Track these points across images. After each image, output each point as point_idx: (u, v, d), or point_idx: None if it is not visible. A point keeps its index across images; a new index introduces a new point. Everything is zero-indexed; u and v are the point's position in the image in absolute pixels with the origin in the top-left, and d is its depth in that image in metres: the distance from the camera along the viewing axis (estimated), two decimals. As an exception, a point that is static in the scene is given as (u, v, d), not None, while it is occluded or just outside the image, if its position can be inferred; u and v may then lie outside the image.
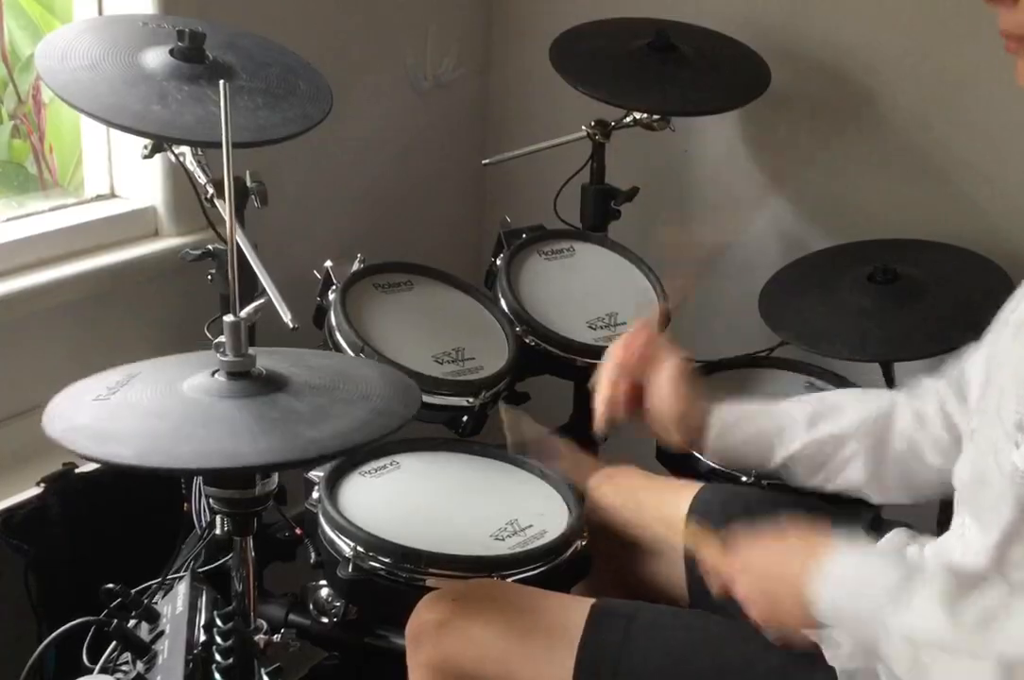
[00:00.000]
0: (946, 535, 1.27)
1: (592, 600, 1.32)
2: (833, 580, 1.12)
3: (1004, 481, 1.12)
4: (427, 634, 1.33)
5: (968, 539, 1.21)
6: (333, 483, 1.57)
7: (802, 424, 1.42)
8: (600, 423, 1.45)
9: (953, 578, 1.07)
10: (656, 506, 1.55)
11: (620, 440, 2.16)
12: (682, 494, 1.54)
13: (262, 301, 1.22)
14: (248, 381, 1.15)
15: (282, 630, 1.34)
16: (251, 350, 1.16)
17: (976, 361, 1.31)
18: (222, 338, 1.15)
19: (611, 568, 1.57)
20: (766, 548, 1.20)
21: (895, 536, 1.38)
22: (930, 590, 1.06)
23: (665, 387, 1.42)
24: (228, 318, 1.15)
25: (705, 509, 1.50)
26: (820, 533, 1.19)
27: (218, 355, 1.15)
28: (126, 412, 1.13)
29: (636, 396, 1.44)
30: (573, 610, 1.31)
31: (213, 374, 1.15)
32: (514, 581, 1.45)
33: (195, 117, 1.49)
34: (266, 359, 1.18)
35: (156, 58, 1.55)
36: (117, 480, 1.68)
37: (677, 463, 1.89)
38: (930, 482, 1.37)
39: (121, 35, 1.60)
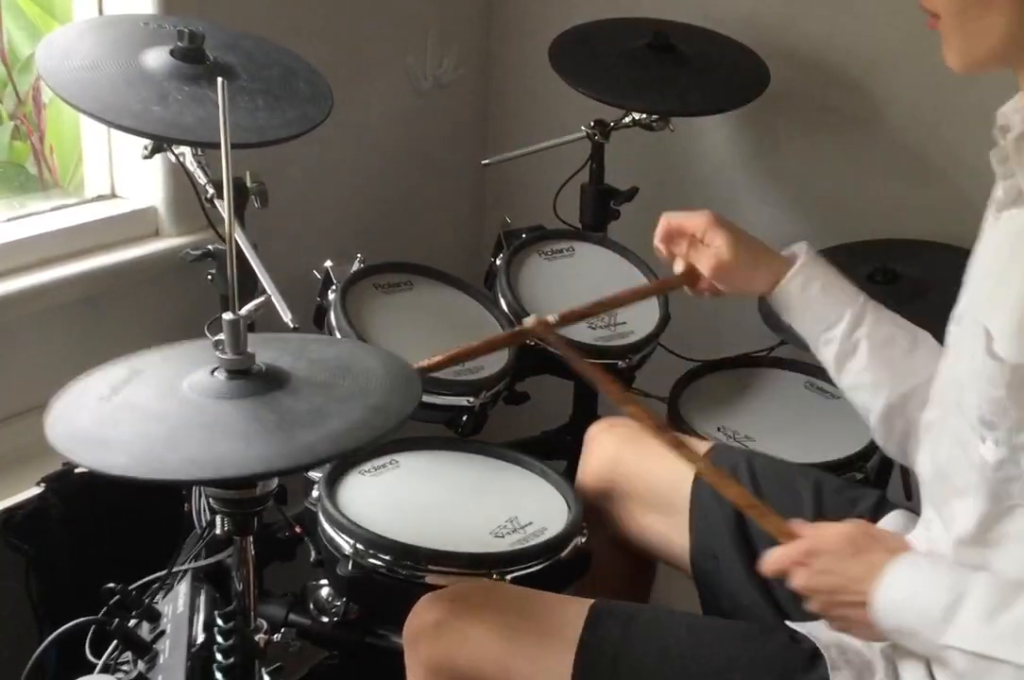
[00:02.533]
0: (915, 530, 1.27)
1: (591, 601, 1.32)
2: (891, 584, 1.11)
3: (973, 474, 1.11)
4: (425, 635, 1.33)
5: (932, 535, 1.21)
6: (333, 482, 1.57)
7: (871, 324, 1.36)
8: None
9: (997, 590, 1.07)
10: (662, 461, 1.50)
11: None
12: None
13: (261, 299, 1.22)
14: (247, 380, 1.14)
15: (282, 629, 1.34)
16: (255, 337, 1.15)
17: None
18: (221, 336, 1.15)
19: (608, 525, 1.56)
20: (837, 553, 1.17)
21: (894, 518, 1.37)
22: (974, 605, 1.06)
23: (719, 234, 1.39)
24: (227, 316, 1.14)
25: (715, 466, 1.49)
26: (889, 540, 1.19)
27: (217, 353, 1.15)
28: (126, 415, 1.12)
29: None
30: (571, 610, 1.30)
31: (213, 372, 1.15)
32: (514, 578, 1.45)
33: (195, 118, 1.49)
34: (270, 349, 1.18)
35: (157, 58, 1.55)
36: (117, 480, 1.68)
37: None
38: None
39: (122, 35, 1.60)
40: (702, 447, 1.54)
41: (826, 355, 1.38)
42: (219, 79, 1.10)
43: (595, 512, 1.57)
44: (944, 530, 1.18)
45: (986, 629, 1.05)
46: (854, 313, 1.36)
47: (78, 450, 1.06)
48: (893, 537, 1.21)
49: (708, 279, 1.42)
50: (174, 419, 1.10)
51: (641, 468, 1.55)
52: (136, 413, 1.12)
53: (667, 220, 1.43)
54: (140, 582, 1.41)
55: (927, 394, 1.29)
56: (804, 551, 1.18)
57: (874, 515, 1.40)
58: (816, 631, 1.25)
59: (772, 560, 1.20)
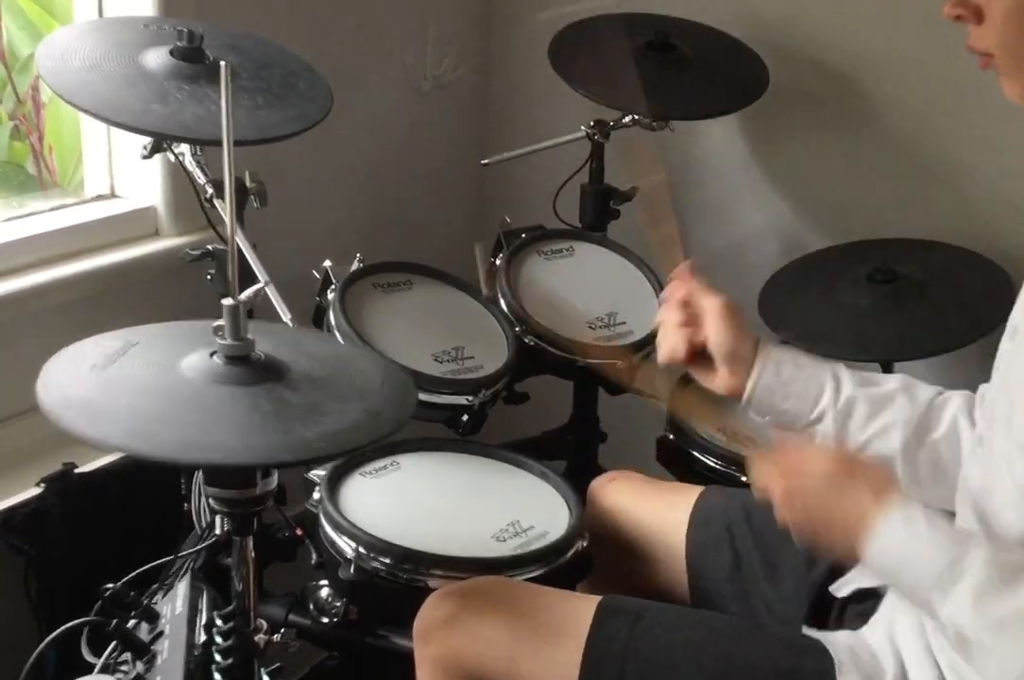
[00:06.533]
0: None
1: (599, 598, 1.32)
2: (884, 543, 1.09)
3: (1016, 493, 1.10)
4: (434, 630, 1.33)
5: None
6: (334, 483, 1.57)
7: (850, 380, 1.34)
8: (663, 359, 1.38)
9: (994, 569, 1.04)
10: (657, 511, 1.55)
11: (620, 442, 2.17)
12: (682, 499, 1.54)
13: (260, 285, 1.22)
14: (246, 367, 1.13)
15: (282, 630, 1.34)
16: (252, 330, 1.15)
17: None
18: (221, 321, 1.14)
19: (612, 573, 1.57)
20: (829, 472, 1.13)
21: None
22: (968, 581, 1.04)
23: (714, 324, 1.33)
24: (227, 301, 1.13)
25: (706, 514, 1.50)
26: (885, 475, 1.15)
27: (216, 338, 1.14)
28: (120, 388, 1.11)
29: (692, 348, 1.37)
30: (580, 607, 1.30)
31: (211, 355, 1.14)
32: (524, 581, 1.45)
33: (195, 116, 1.49)
34: (268, 340, 1.17)
35: (156, 58, 1.55)
36: (117, 480, 1.68)
37: (676, 463, 1.89)
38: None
39: (122, 36, 1.60)
40: (695, 491, 1.54)
41: (826, 426, 1.34)
42: (222, 63, 1.10)
43: (602, 564, 1.57)
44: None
45: (976, 613, 1.03)
46: (834, 377, 1.34)
47: (74, 420, 1.05)
48: (875, 469, 1.17)
49: (713, 314, 1.35)
50: (170, 397, 1.10)
51: (640, 520, 1.56)
52: (131, 387, 1.11)
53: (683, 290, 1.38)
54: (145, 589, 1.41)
55: (937, 419, 1.30)
56: (784, 491, 1.16)
57: None
58: (827, 637, 1.25)
59: (758, 485, 1.19)
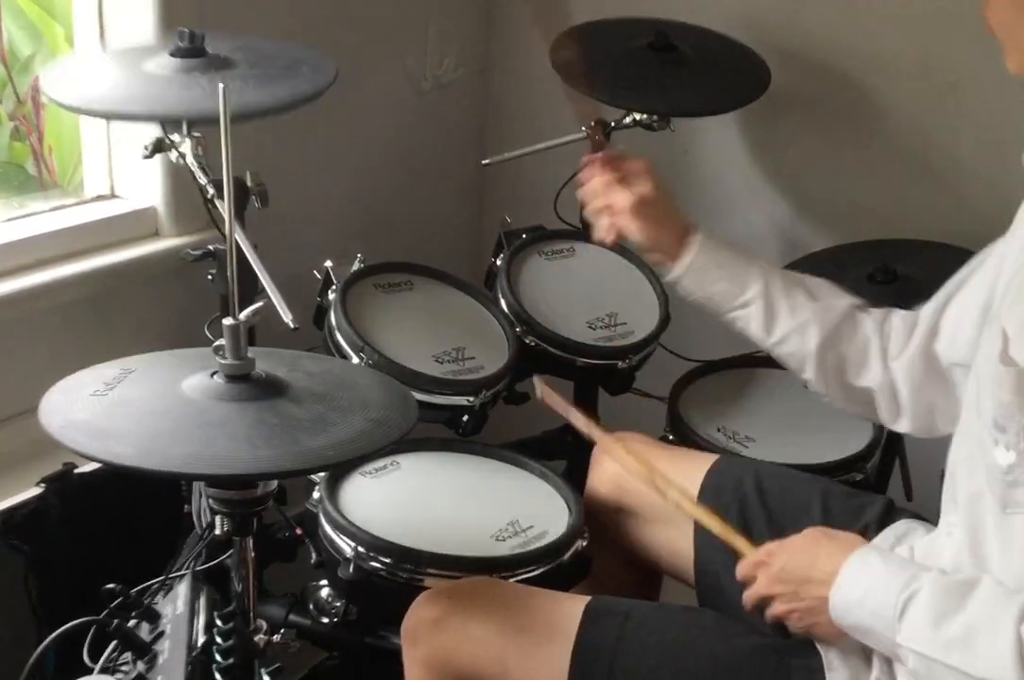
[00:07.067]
0: (934, 534, 1.27)
1: (587, 598, 1.32)
2: (847, 590, 1.15)
3: (987, 476, 1.12)
4: (423, 631, 1.34)
5: (955, 540, 1.20)
6: (334, 483, 1.57)
7: (779, 274, 1.45)
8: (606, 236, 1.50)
9: (944, 591, 1.09)
10: (668, 473, 1.52)
11: (624, 422, 2.17)
12: (695, 465, 1.53)
13: (261, 304, 1.22)
14: (247, 384, 1.14)
15: (282, 630, 1.34)
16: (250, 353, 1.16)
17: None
18: (222, 341, 1.15)
19: (612, 537, 1.56)
20: (796, 551, 1.22)
21: (901, 526, 1.37)
22: (922, 606, 1.09)
23: (629, 223, 1.46)
24: (227, 321, 1.14)
25: (718, 483, 1.49)
26: (847, 537, 1.22)
27: (217, 358, 1.15)
28: (124, 410, 1.12)
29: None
30: (568, 608, 1.31)
31: (212, 375, 1.15)
32: (514, 581, 1.45)
33: (192, 97, 1.48)
34: (264, 361, 1.18)
35: (157, 61, 1.55)
36: (117, 480, 1.68)
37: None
38: (864, 393, 1.41)
39: (125, 61, 1.61)
40: (708, 459, 1.54)
41: (750, 311, 1.43)
42: (220, 85, 1.10)
43: (603, 528, 1.57)
44: (964, 535, 1.17)
45: (932, 632, 1.07)
46: (764, 269, 1.44)
47: (81, 440, 1.06)
48: (850, 536, 1.24)
49: (625, 212, 1.47)
50: (176, 416, 1.11)
51: (650, 482, 1.54)
52: (134, 408, 1.13)
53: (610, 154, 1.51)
54: (142, 586, 1.41)
55: (851, 331, 1.39)
56: (765, 551, 1.24)
57: (882, 522, 1.40)
58: None
59: (740, 567, 1.27)
